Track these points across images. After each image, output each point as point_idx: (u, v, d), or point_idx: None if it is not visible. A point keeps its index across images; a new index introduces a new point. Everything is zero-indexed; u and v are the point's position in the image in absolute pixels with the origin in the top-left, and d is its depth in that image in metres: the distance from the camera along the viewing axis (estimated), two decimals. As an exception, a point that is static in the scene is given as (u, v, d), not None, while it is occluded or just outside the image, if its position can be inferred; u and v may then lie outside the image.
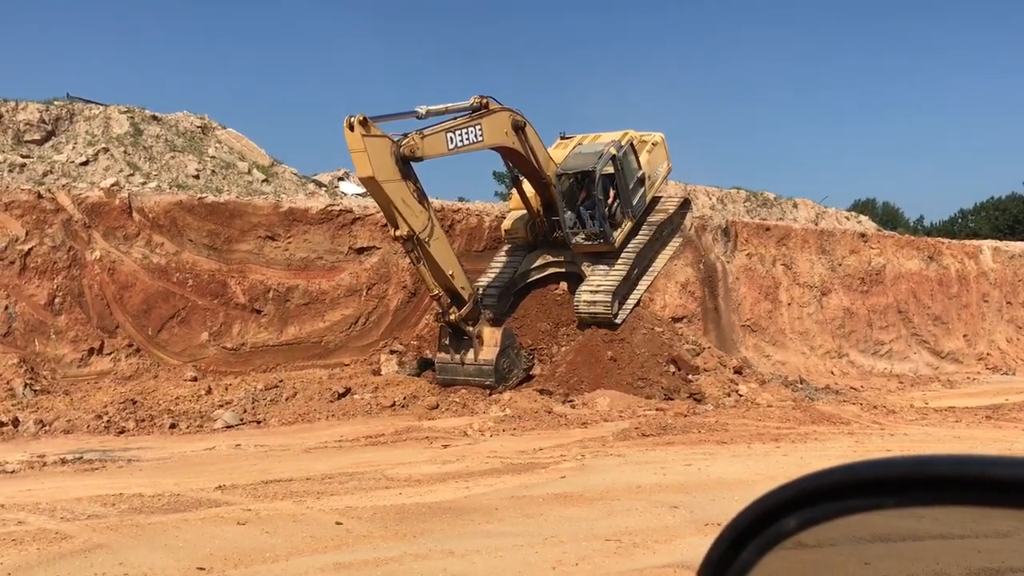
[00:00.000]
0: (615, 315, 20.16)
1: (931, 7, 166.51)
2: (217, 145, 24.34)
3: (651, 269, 22.01)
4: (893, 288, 30.50)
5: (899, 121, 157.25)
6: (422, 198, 17.84)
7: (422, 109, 17.61)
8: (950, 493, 1.16)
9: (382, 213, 18.62)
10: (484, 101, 18.69)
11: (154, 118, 23.91)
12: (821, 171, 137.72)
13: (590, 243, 21.02)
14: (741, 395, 19.52)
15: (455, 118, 18.18)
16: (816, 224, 33.65)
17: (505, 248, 22.40)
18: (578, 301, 20.35)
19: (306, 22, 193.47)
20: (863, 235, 31.57)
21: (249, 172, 23.70)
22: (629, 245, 21.32)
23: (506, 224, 22.39)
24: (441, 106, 18.02)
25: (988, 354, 32.00)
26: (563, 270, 21.60)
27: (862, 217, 41.36)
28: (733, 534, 1.29)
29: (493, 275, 21.58)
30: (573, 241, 21.00)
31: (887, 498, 1.19)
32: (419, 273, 18.63)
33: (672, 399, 18.56)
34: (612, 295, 20.12)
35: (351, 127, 16.35)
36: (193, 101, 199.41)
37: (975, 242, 37.32)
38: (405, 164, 17.30)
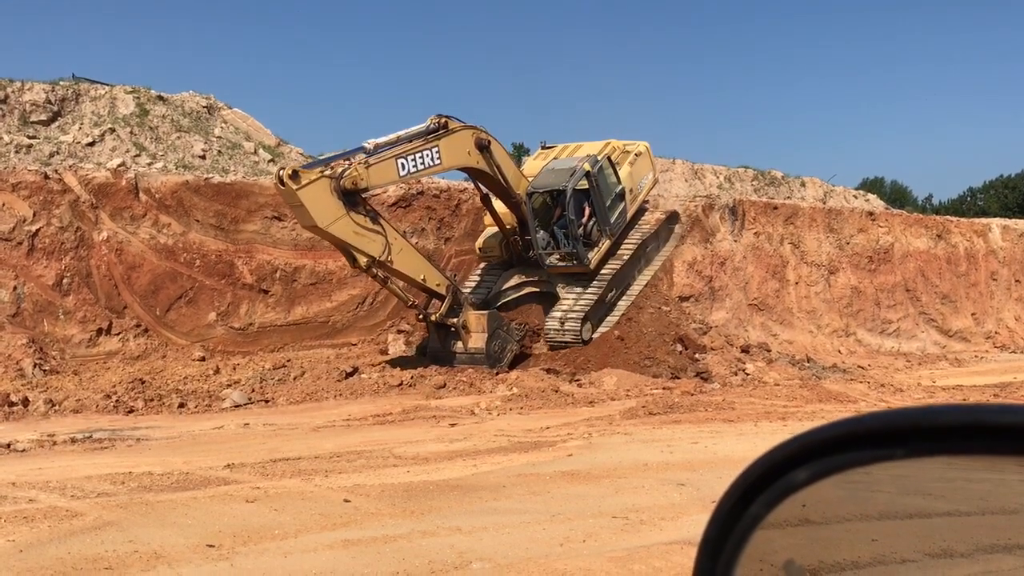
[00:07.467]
0: (586, 341, 19.44)
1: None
2: (223, 125, 24.32)
3: (631, 291, 20.90)
4: (901, 267, 30.38)
5: (908, 100, 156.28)
6: (375, 219, 17.03)
7: (370, 143, 16.69)
8: (959, 442, 1.15)
9: (339, 250, 17.57)
10: (443, 121, 17.70)
11: (160, 98, 23.88)
12: (829, 150, 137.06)
13: (564, 264, 20.15)
14: (748, 374, 19.52)
15: (411, 141, 17.26)
16: (824, 203, 33.52)
17: (480, 267, 21.57)
18: (548, 324, 19.79)
19: (312, 1, 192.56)
20: (871, 214, 31.43)
21: (255, 152, 23.68)
22: (607, 266, 20.47)
23: (479, 242, 21.48)
24: (392, 136, 17.06)
25: (996, 332, 31.90)
26: (538, 290, 20.81)
27: (870, 196, 41.20)
28: (742, 487, 1.28)
29: (467, 293, 20.97)
30: (547, 262, 20.13)
31: (897, 448, 1.18)
32: (390, 291, 18.15)
33: (679, 378, 18.56)
34: (581, 321, 19.37)
35: (282, 182, 15.52)
36: (198, 81, 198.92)
37: (984, 220, 37.13)
38: (349, 195, 16.31)
